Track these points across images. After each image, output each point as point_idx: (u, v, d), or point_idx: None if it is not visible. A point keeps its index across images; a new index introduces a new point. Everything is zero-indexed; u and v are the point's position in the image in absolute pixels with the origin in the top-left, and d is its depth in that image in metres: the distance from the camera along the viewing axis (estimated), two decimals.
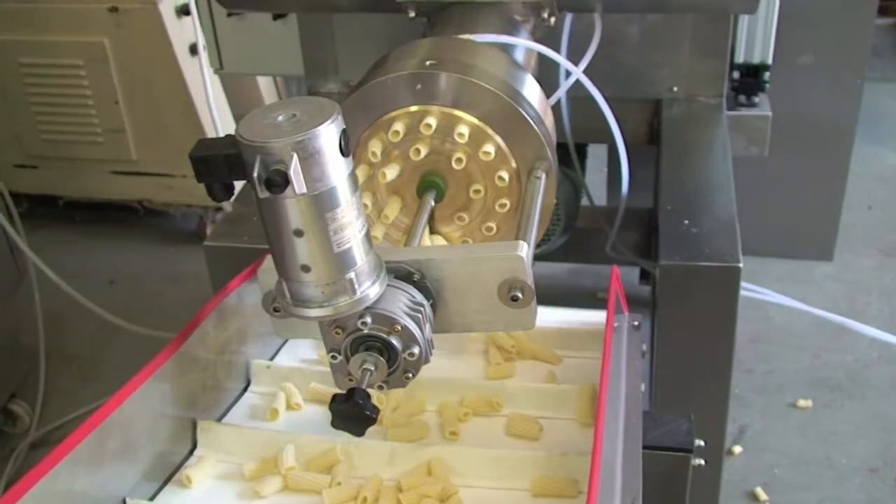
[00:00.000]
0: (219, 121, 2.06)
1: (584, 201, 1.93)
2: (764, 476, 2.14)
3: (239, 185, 1.68)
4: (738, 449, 2.21)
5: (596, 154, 2.23)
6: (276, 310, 1.01)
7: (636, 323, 1.24)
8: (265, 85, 3.25)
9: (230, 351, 1.13)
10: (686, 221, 1.41)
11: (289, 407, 1.13)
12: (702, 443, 1.06)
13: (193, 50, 2.80)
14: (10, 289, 2.41)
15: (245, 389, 1.17)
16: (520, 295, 0.93)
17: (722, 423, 1.43)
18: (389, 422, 1.08)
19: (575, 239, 1.90)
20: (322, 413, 1.10)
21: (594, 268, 2.49)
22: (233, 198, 0.84)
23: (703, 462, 1.06)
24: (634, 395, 1.08)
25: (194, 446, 1.05)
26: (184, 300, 2.79)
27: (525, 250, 0.92)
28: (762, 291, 2.29)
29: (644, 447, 1.00)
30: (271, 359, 1.23)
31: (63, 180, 3.19)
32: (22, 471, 2.25)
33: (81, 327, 2.72)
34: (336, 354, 0.91)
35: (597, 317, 1.25)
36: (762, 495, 2.08)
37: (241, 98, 3.06)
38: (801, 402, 2.35)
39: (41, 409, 2.42)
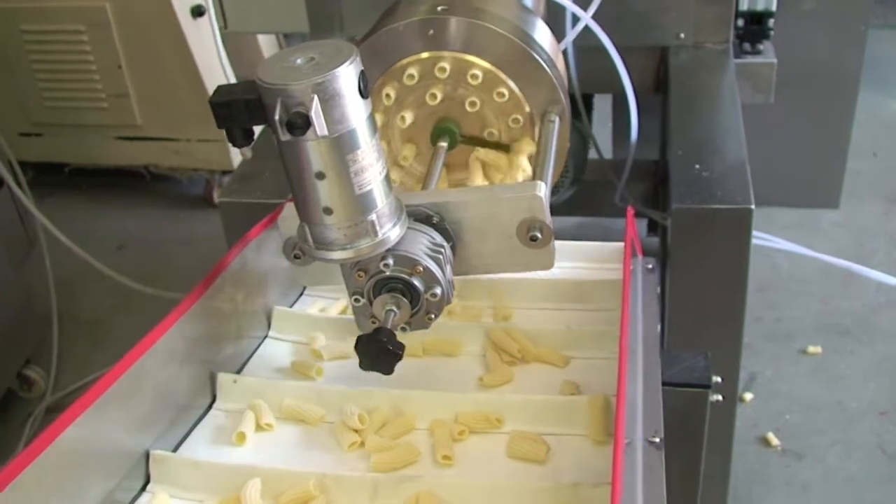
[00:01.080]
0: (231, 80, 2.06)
1: (591, 154, 1.93)
2: (775, 422, 2.16)
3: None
4: (749, 396, 2.22)
5: (599, 109, 2.23)
6: (296, 257, 1.02)
7: (650, 266, 1.25)
8: (267, 45, 3.24)
9: (251, 300, 1.13)
10: (697, 166, 1.41)
11: (258, 428, 0.99)
12: (719, 379, 1.07)
13: (195, 12, 2.79)
14: (21, 256, 2.42)
15: (265, 337, 1.17)
16: (538, 235, 0.94)
17: (735, 365, 1.44)
18: (373, 445, 0.95)
19: (582, 191, 1.90)
20: (297, 434, 0.99)
21: (602, 221, 2.49)
22: (252, 144, 0.84)
23: (720, 398, 1.07)
24: (652, 336, 1.09)
25: (214, 399, 1.05)
26: (194, 263, 2.80)
27: (543, 190, 0.93)
28: (769, 238, 2.29)
29: (663, 384, 1.01)
30: (291, 306, 1.22)
31: (68, 147, 3.19)
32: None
33: (93, 293, 2.74)
34: (359, 297, 0.92)
35: (610, 257, 1.26)
36: (774, 440, 2.10)
37: (242, 60, 3.05)
38: (811, 349, 2.36)
39: (56, 374, 2.44)
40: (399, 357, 0.87)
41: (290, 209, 1.02)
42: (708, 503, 1.38)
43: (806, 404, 2.21)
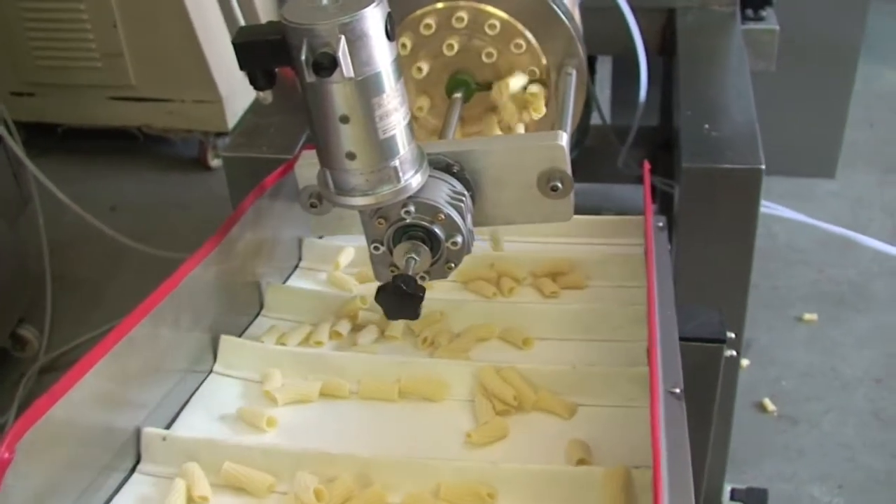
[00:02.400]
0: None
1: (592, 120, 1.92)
2: (771, 388, 2.17)
3: (251, 96, 1.67)
4: (745, 362, 2.23)
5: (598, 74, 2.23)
6: (312, 205, 1.01)
7: (661, 224, 1.25)
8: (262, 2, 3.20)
9: (265, 251, 1.13)
10: (706, 126, 1.41)
11: (190, 502, 0.81)
12: (732, 335, 1.07)
13: None
14: (13, 215, 2.40)
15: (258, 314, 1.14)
16: (559, 185, 0.93)
17: (741, 323, 1.44)
18: None
19: (583, 157, 1.90)
20: None
21: (600, 188, 2.50)
22: (272, 87, 0.83)
23: (734, 353, 1.07)
24: (667, 291, 1.08)
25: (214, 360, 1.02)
26: (188, 225, 2.78)
27: (565, 139, 0.92)
28: (766, 205, 2.30)
29: (679, 339, 1.01)
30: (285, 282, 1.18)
31: (61, 107, 3.16)
32: (33, 394, 2.27)
33: (86, 254, 2.72)
34: (378, 245, 0.91)
35: (624, 233, 1.26)
36: (770, 406, 2.11)
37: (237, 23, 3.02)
38: (807, 316, 2.37)
39: (49, 334, 2.43)
40: (421, 299, 0.87)
41: (307, 157, 1.01)
42: (708, 467, 1.39)
43: (801, 371, 2.22)
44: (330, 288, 1.14)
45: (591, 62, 2.04)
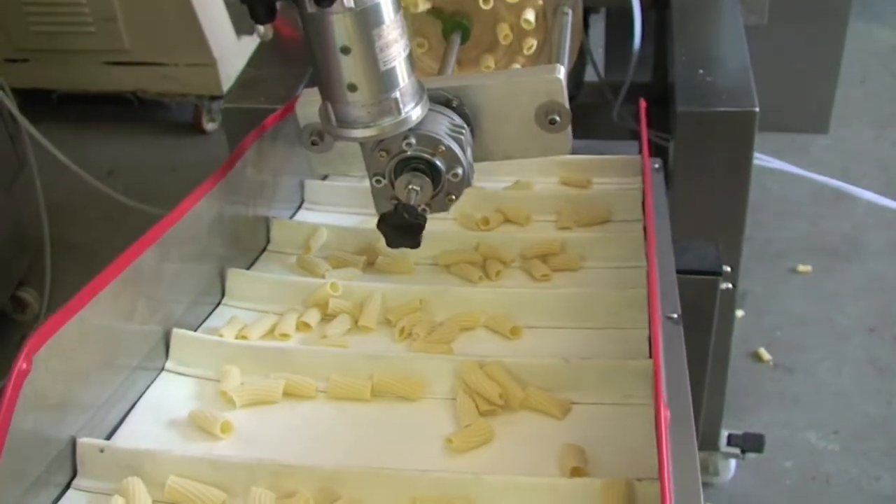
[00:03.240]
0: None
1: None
2: (767, 338, 2.19)
3: (244, 59, 1.67)
4: (740, 313, 2.25)
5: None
6: (314, 143, 1.02)
7: (657, 165, 1.27)
8: None
9: (267, 191, 1.14)
10: (701, 71, 1.42)
11: None
12: (728, 269, 1.09)
13: None
14: (10, 179, 2.41)
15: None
16: (557, 118, 0.95)
17: (737, 262, 1.46)
18: None
19: (578, 113, 1.91)
20: None
21: (592, 143, 2.51)
22: (273, 21, 0.83)
23: (730, 286, 1.09)
24: (664, 227, 1.10)
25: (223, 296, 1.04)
26: (185, 188, 2.78)
27: (562, 73, 0.93)
28: (760, 157, 2.31)
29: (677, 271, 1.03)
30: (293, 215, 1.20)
31: (55, 73, 3.15)
32: None
33: (84, 217, 2.73)
34: (380, 179, 0.92)
35: (621, 172, 1.27)
36: (765, 355, 2.14)
37: None
38: (801, 268, 2.39)
39: (49, 297, 2.44)
40: (422, 228, 0.88)
41: (307, 95, 1.02)
42: (705, 411, 1.42)
43: (797, 321, 2.24)
44: (300, 273, 1.07)
45: (585, 17, 2.05)
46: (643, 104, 1.20)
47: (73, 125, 3.26)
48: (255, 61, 1.55)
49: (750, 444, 1.75)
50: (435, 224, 1.07)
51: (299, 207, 1.21)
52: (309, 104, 1.01)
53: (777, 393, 2.06)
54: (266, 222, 1.13)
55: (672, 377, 0.82)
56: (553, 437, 0.79)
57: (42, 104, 3.24)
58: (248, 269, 1.07)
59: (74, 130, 3.23)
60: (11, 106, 2.24)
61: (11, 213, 2.36)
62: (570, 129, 0.96)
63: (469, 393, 0.83)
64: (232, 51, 2.94)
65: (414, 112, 0.87)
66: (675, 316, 0.89)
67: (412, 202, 0.89)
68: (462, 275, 1.05)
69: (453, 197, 0.93)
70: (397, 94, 0.85)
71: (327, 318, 0.98)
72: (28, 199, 2.42)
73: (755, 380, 2.09)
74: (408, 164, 0.91)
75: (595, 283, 1.02)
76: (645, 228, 0.93)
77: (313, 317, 0.97)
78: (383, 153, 0.90)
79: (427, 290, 0.99)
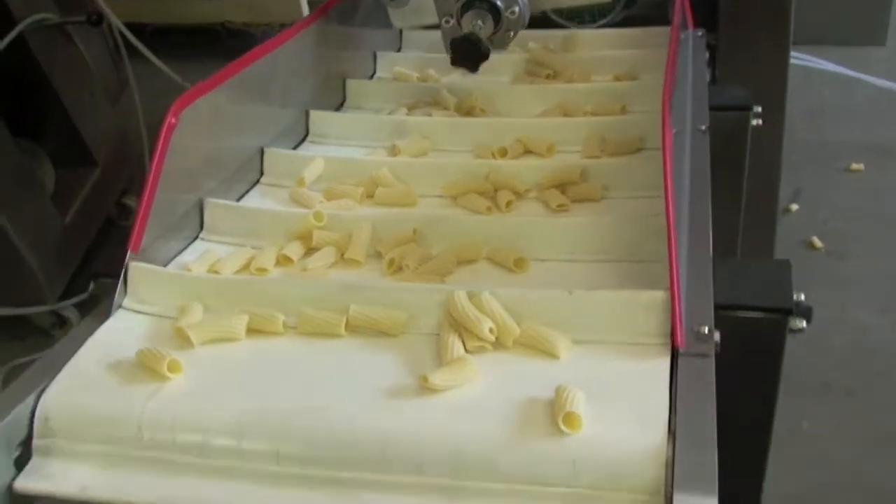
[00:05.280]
0: None
1: None
2: (819, 228, 2.31)
3: None
4: (794, 207, 2.37)
5: None
6: None
7: (700, 34, 1.38)
8: None
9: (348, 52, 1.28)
10: None
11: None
12: (759, 108, 1.21)
13: None
14: (116, 94, 2.61)
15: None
16: None
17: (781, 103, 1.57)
18: None
19: (635, 12, 2.02)
20: None
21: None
22: None
23: (760, 122, 1.21)
24: (701, 80, 1.22)
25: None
26: None
27: None
28: (816, 61, 2.42)
29: (710, 109, 1.14)
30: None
31: (148, 8, 3.36)
32: None
33: None
34: (448, 19, 1.09)
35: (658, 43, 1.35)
36: (818, 243, 2.26)
37: None
38: (854, 166, 2.50)
39: None
40: (486, 57, 1.05)
41: None
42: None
43: (848, 213, 2.35)
44: (291, 207, 0.98)
45: None
46: None
47: (165, 57, 3.46)
48: None
49: (799, 311, 1.87)
50: (447, 155, 1.08)
51: (302, 140, 1.16)
52: None
53: (829, 277, 2.18)
54: (260, 154, 1.07)
55: (695, 184, 0.92)
56: (549, 379, 0.66)
57: (136, 37, 3.45)
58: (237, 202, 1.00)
59: (166, 61, 3.43)
60: (121, 26, 2.42)
61: (117, 124, 2.56)
62: None
63: (455, 327, 0.71)
64: None
65: None
66: (703, 128, 1.02)
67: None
68: (469, 206, 0.95)
69: (511, 34, 1.09)
70: None
71: (312, 252, 0.88)
72: (130, 118, 2.63)
73: (807, 266, 2.21)
74: (472, 4, 1.07)
75: (616, 213, 0.91)
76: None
77: (295, 250, 0.87)
78: None
79: (422, 219, 0.89)
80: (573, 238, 0.85)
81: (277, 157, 1.05)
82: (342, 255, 0.86)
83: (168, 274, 0.82)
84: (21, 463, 0.67)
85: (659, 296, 0.70)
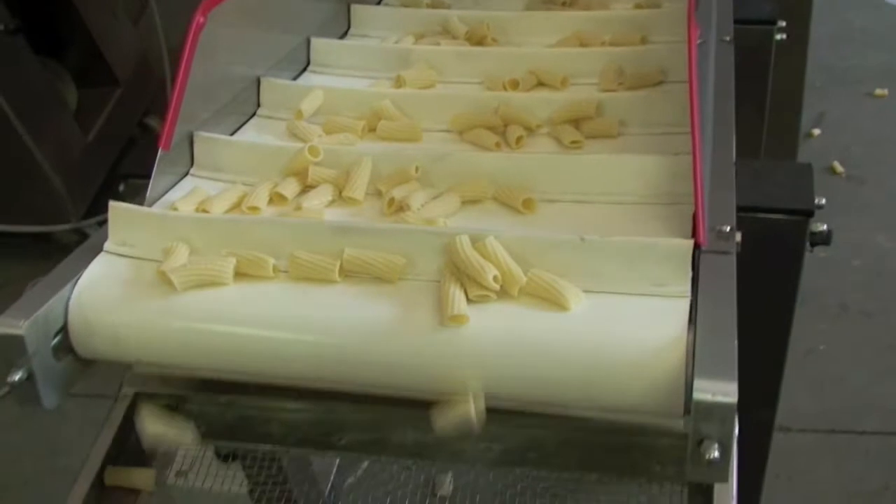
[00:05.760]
0: None
1: None
2: (841, 153, 2.31)
3: None
4: (816, 131, 2.36)
5: None
6: None
7: None
8: None
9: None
10: None
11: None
12: (783, 23, 1.21)
13: None
14: (137, 14, 2.61)
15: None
16: None
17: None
18: None
19: None
20: None
21: None
22: None
23: (785, 36, 1.20)
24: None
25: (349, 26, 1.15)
26: None
27: None
28: None
29: (735, 22, 1.14)
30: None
31: None
32: None
33: None
34: None
35: None
36: (839, 168, 2.26)
37: None
38: (878, 91, 2.49)
39: None
40: None
41: None
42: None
43: (870, 139, 2.35)
44: (288, 141, 0.92)
45: None
46: None
47: None
48: None
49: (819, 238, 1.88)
50: (455, 87, 1.00)
51: (303, 70, 1.08)
52: None
53: (849, 201, 2.18)
54: (257, 84, 0.99)
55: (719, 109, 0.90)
56: (556, 332, 0.63)
57: None
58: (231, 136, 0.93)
59: None
60: None
61: (138, 47, 2.56)
62: None
63: (457, 275, 0.67)
64: None
65: None
66: (728, 39, 1.02)
67: None
68: (476, 141, 0.89)
69: None
70: None
71: (308, 189, 0.82)
72: (151, 40, 2.63)
73: (828, 190, 2.17)
74: None
75: (634, 150, 0.84)
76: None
77: (290, 187, 0.81)
78: None
79: (426, 155, 0.82)
80: (587, 177, 0.78)
81: (275, 87, 0.97)
82: (340, 193, 0.80)
83: (151, 214, 0.76)
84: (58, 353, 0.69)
85: (680, 244, 0.65)
